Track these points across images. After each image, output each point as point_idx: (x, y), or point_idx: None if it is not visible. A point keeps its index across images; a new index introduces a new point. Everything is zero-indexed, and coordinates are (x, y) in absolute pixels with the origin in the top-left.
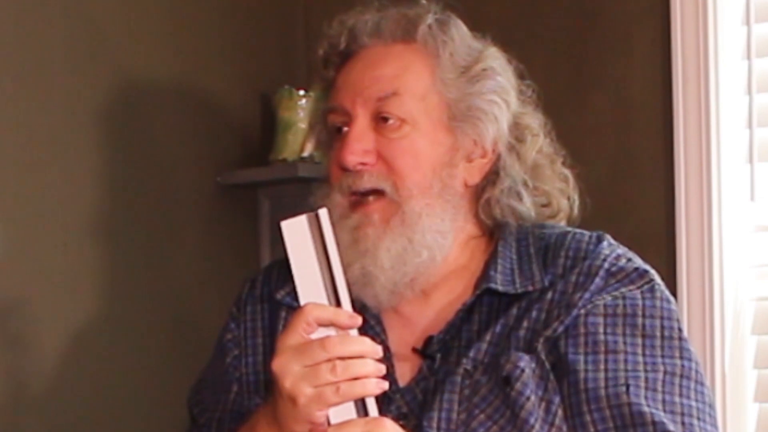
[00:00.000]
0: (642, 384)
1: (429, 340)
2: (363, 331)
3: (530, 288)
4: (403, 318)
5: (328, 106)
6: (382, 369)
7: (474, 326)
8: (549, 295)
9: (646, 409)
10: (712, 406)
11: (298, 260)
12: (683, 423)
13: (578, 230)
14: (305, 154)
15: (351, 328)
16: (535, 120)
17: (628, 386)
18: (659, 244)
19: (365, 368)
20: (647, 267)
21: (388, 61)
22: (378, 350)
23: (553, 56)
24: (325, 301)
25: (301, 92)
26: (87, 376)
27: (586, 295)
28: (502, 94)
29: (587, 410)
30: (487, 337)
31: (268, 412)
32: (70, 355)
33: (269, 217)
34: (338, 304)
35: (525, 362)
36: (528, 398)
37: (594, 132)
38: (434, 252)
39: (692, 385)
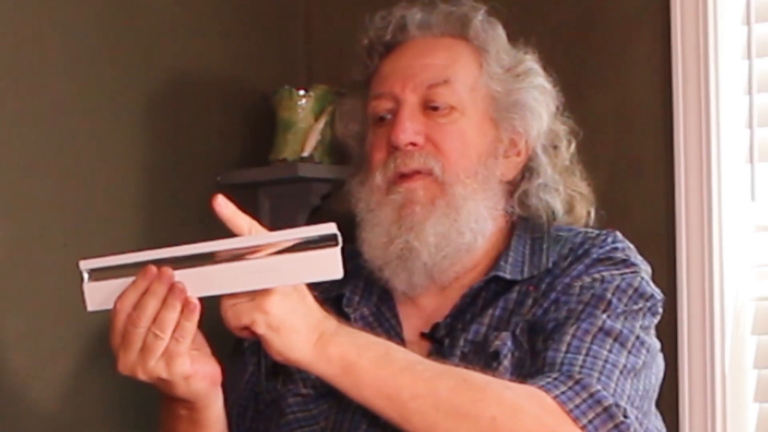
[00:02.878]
0: (569, 331)
1: (436, 326)
2: (379, 323)
3: (535, 273)
4: (419, 309)
5: (374, 92)
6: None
7: (477, 309)
8: (543, 281)
9: (560, 356)
10: (645, 378)
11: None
12: (601, 372)
13: (592, 230)
14: (305, 154)
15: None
16: (563, 127)
17: (553, 338)
18: (659, 244)
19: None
20: (640, 263)
21: (438, 51)
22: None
23: (553, 56)
24: None
25: (301, 92)
26: (88, 376)
27: (566, 280)
28: (545, 93)
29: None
30: (486, 320)
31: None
32: (71, 355)
33: (269, 217)
34: None
35: (510, 341)
36: (508, 373)
37: (594, 132)
38: (476, 235)
39: (624, 352)
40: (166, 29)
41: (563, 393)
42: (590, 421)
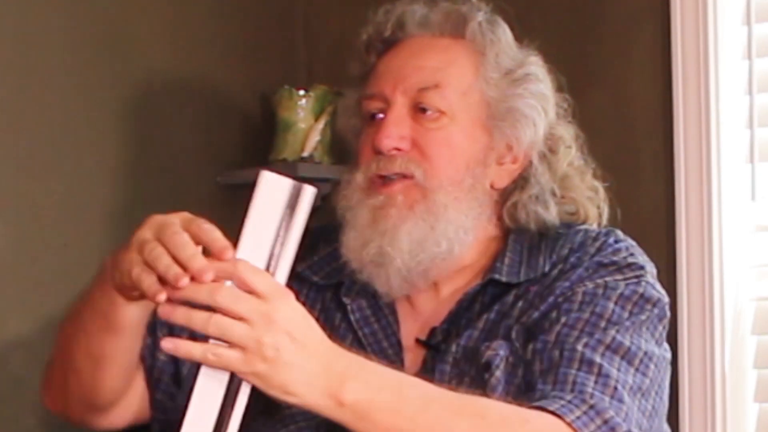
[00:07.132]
0: (578, 348)
1: (432, 331)
2: (376, 318)
3: (532, 276)
4: (415, 309)
5: (366, 92)
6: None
7: (473, 314)
8: (540, 284)
9: (571, 373)
10: (655, 397)
11: (258, 218)
12: (612, 395)
13: (592, 228)
14: (305, 154)
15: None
16: (568, 132)
17: (562, 353)
18: (659, 244)
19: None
20: (645, 263)
21: (433, 52)
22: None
23: (553, 56)
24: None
25: (301, 92)
26: None
27: (566, 284)
28: (542, 101)
29: (537, 370)
30: (480, 325)
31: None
32: None
33: None
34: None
35: (503, 349)
36: (501, 385)
37: (594, 132)
38: (453, 245)
39: (631, 370)
40: (166, 29)
41: (578, 418)
42: None
